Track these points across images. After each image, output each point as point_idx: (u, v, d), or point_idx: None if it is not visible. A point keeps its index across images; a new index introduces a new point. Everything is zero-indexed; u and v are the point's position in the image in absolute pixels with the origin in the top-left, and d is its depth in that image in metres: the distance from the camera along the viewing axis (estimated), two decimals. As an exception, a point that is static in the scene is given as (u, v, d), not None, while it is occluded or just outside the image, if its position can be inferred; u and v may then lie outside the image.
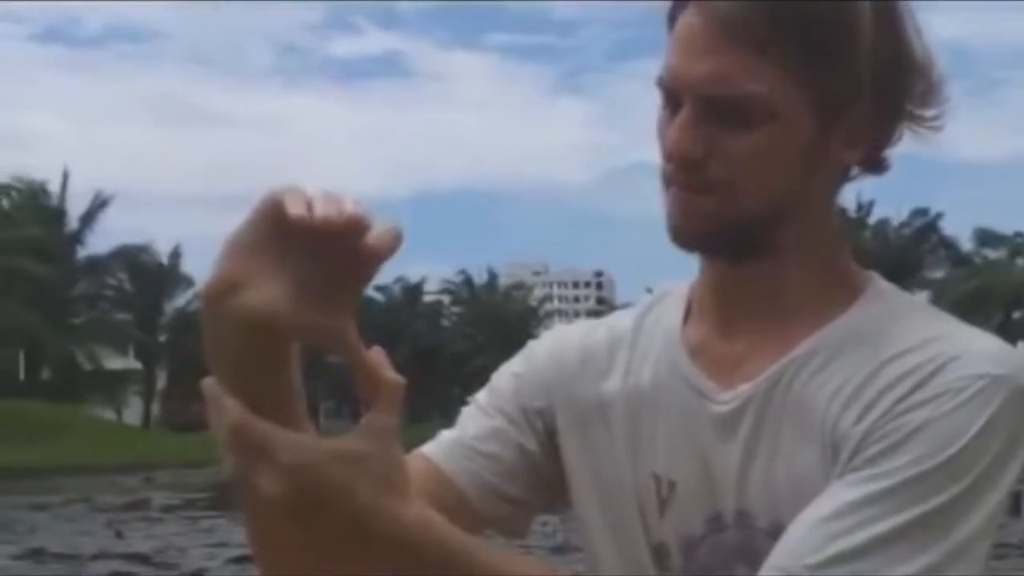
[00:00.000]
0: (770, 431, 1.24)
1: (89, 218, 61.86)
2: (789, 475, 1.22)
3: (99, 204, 61.63)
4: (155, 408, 66.31)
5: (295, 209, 0.98)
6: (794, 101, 1.21)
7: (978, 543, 1.16)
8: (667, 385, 1.32)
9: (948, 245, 69.49)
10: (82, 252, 62.99)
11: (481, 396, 1.41)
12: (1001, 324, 59.00)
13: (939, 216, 70.37)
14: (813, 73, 1.20)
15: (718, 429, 1.27)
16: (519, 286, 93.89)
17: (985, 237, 67.21)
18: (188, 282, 68.30)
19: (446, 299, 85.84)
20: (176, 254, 68.22)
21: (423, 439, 1.37)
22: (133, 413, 64.02)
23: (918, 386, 1.17)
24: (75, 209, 62.24)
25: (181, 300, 68.96)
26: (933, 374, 1.18)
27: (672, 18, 1.26)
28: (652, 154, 1.28)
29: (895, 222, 69.80)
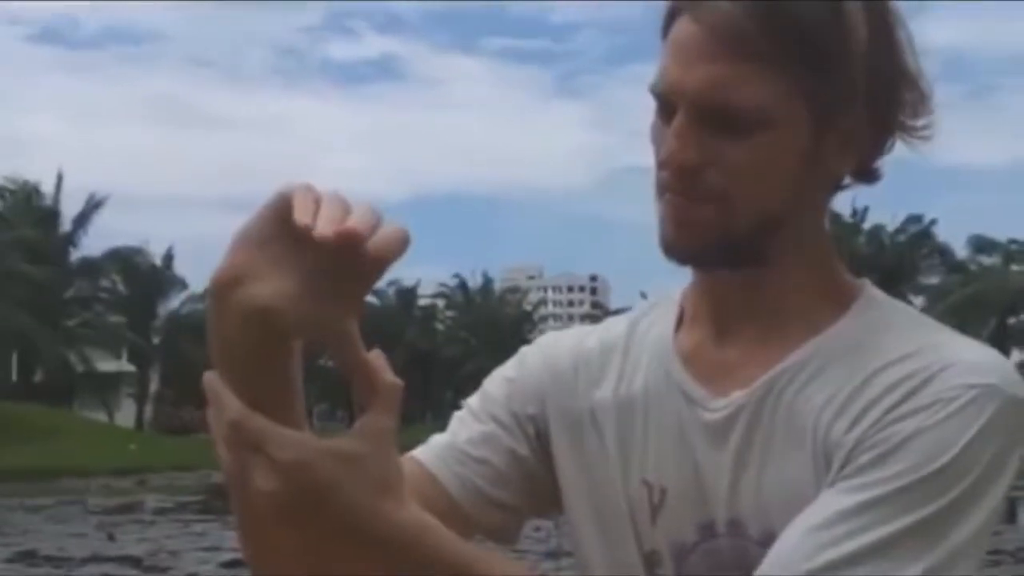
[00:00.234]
0: (762, 439, 1.24)
1: (83, 220, 61.86)
2: (781, 483, 1.22)
3: (93, 206, 61.64)
4: (148, 411, 66.19)
5: (300, 216, 0.98)
6: (789, 110, 1.21)
7: (970, 552, 1.15)
8: (659, 392, 1.32)
9: (943, 251, 69.59)
10: (76, 254, 63.04)
11: (473, 401, 1.41)
12: (995, 331, 59.11)
13: (934, 222, 70.52)
14: (808, 82, 1.20)
15: (710, 437, 1.27)
16: (514, 290, 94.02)
17: (980, 244, 67.33)
18: (182, 284, 68.39)
19: (440, 303, 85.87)
20: (170, 256, 68.24)
21: (416, 442, 1.37)
22: (126, 415, 63.92)
23: (910, 395, 1.17)
24: (69, 211, 62.29)
25: (175, 302, 69.03)
26: (925, 383, 1.18)
27: (667, 25, 1.26)
28: (648, 158, 1.28)
29: (890, 228, 69.91)
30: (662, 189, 1.26)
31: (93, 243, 63.99)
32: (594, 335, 1.41)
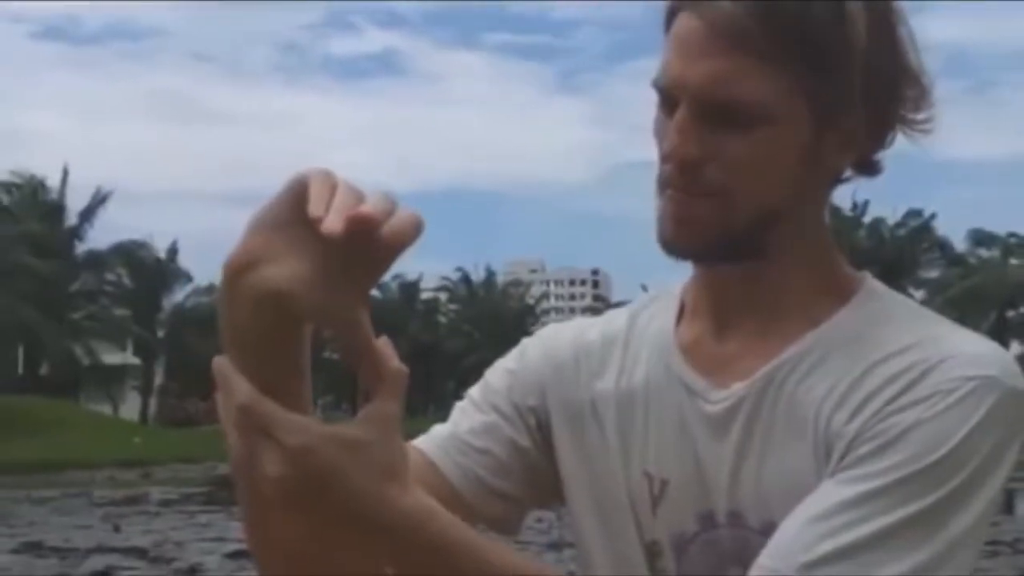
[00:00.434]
0: (762, 431, 1.25)
1: (88, 214, 61.80)
2: (781, 474, 1.23)
3: (98, 200, 61.58)
4: (153, 403, 66.16)
5: (314, 206, 0.99)
6: (790, 105, 1.21)
7: (968, 543, 1.16)
8: (660, 384, 1.33)
9: (942, 245, 69.47)
10: (81, 248, 62.94)
11: (475, 392, 1.42)
12: (995, 324, 59.01)
13: (933, 216, 70.39)
14: (809, 77, 1.20)
15: (710, 428, 1.28)
16: (516, 284, 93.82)
17: (979, 237, 67.24)
18: (186, 278, 68.33)
19: (443, 296, 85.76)
20: (174, 250, 68.17)
21: (418, 433, 1.38)
22: (131, 408, 63.90)
23: (909, 387, 1.18)
24: (74, 205, 62.24)
25: (179, 296, 68.97)
26: (924, 375, 1.18)
27: (669, 20, 1.26)
28: (649, 153, 1.28)
29: (890, 222, 69.79)
30: (663, 185, 1.26)
31: (98, 237, 63.95)
32: (595, 327, 1.42)
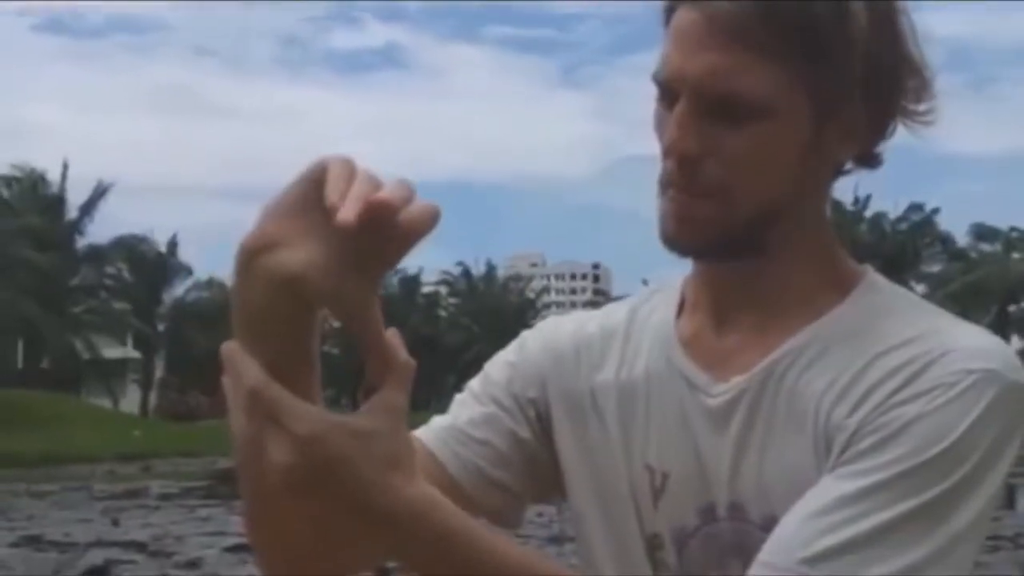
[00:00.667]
0: (763, 424, 1.25)
1: (89, 207, 61.75)
2: (782, 468, 1.23)
3: (99, 193, 61.54)
4: (153, 397, 66.17)
5: (330, 194, 0.99)
6: (791, 98, 1.21)
7: (969, 538, 1.16)
8: (660, 377, 1.33)
9: (944, 239, 69.49)
10: (82, 241, 62.92)
11: (474, 384, 1.42)
12: (996, 318, 59.04)
13: (936, 211, 70.40)
14: (809, 70, 1.20)
15: (711, 421, 1.28)
16: (517, 278, 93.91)
17: (981, 232, 67.24)
18: (187, 272, 68.32)
19: (444, 290, 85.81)
20: (174, 244, 68.17)
21: (419, 427, 1.38)
22: (131, 402, 63.90)
23: (910, 380, 1.18)
24: (75, 198, 62.22)
25: (180, 289, 68.98)
26: (925, 368, 1.18)
27: (668, 14, 1.26)
28: (650, 147, 1.28)
29: (892, 216, 69.80)
30: (665, 184, 1.26)
31: (99, 231, 63.92)
32: (595, 320, 1.42)
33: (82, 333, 59.63)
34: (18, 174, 61.84)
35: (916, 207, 70.13)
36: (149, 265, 66.11)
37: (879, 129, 1.28)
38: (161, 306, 68.02)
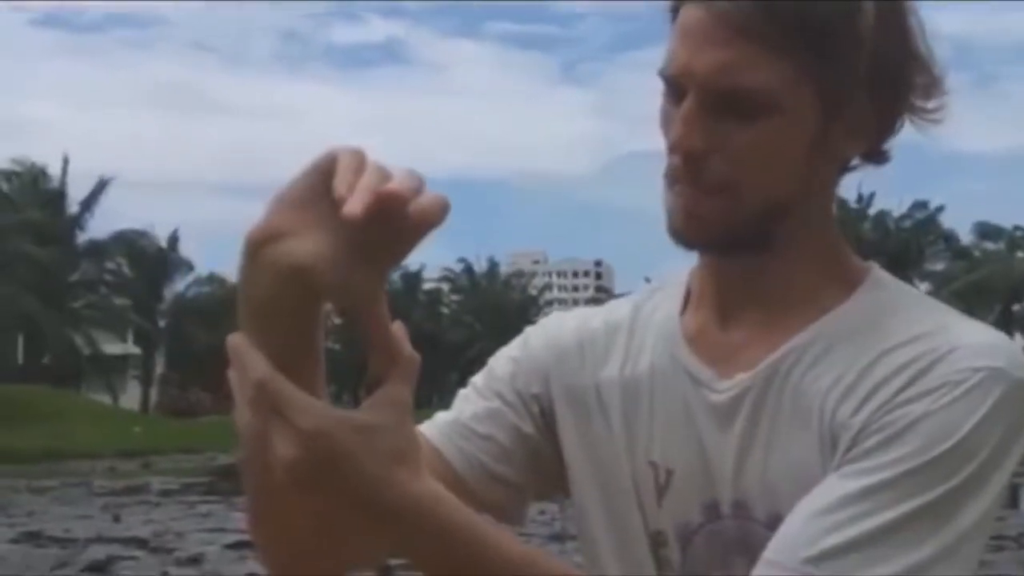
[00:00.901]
0: (768, 421, 1.24)
1: (89, 202, 61.76)
2: (786, 465, 1.22)
3: (99, 188, 61.56)
4: (153, 393, 66.24)
5: (339, 186, 0.98)
6: (798, 94, 1.21)
7: (975, 537, 1.15)
8: (665, 373, 1.32)
9: (948, 238, 69.54)
10: (82, 236, 62.94)
11: (478, 379, 1.41)
12: (1000, 317, 59.06)
13: (940, 209, 70.42)
14: (817, 66, 1.20)
15: (715, 418, 1.28)
16: (519, 275, 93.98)
17: (985, 230, 67.29)
18: (187, 267, 68.35)
19: (445, 287, 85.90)
20: (175, 239, 68.15)
21: (420, 424, 1.37)
22: (131, 398, 63.96)
23: (916, 378, 1.17)
24: (75, 193, 62.23)
25: (180, 285, 69.00)
26: (931, 366, 1.18)
27: (675, 9, 1.26)
28: (652, 144, 1.28)
29: (895, 214, 69.84)
30: (672, 179, 1.26)
31: (99, 226, 63.96)
32: (598, 316, 1.42)
33: (82, 329, 59.67)
34: (18, 169, 61.89)
35: (920, 205, 70.19)
36: (150, 260, 66.12)
37: (886, 126, 1.27)
38: (162, 302, 68.03)
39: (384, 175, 1.00)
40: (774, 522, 1.19)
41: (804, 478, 1.19)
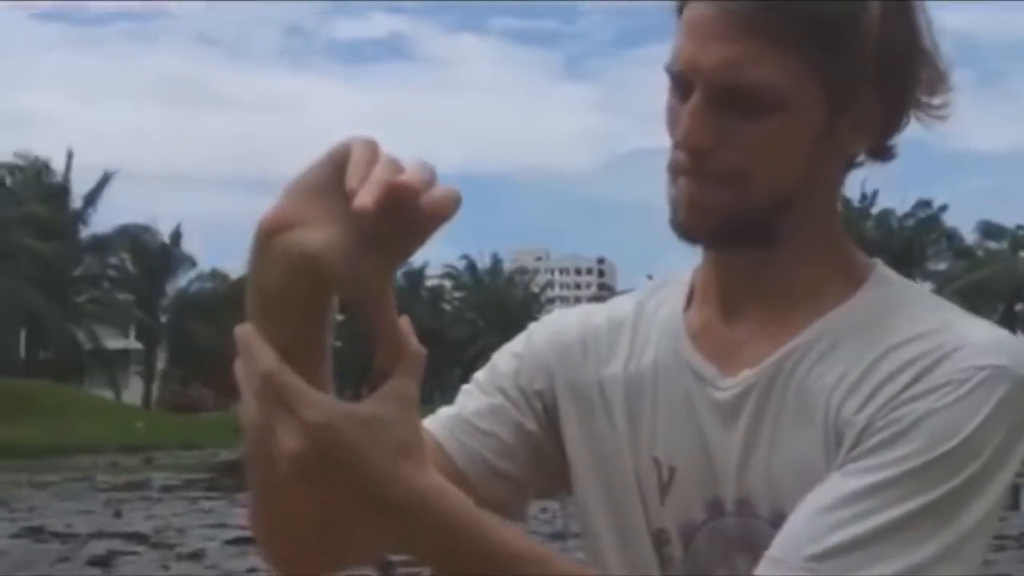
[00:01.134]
0: (772, 418, 1.24)
1: (92, 197, 61.80)
2: (790, 463, 1.22)
3: (103, 183, 61.58)
4: (155, 389, 66.28)
5: (351, 179, 0.98)
6: (804, 89, 1.20)
7: (978, 535, 1.15)
8: (668, 370, 1.32)
9: (951, 237, 69.50)
10: (85, 231, 62.97)
11: (481, 375, 1.41)
12: (1003, 316, 59.04)
13: (943, 208, 70.39)
14: (823, 62, 1.19)
15: (719, 415, 1.27)
16: (522, 271, 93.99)
17: (988, 229, 67.25)
18: (190, 262, 68.38)
19: (448, 284, 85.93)
20: (178, 234, 68.19)
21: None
22: (133, 393, 64.04)
23: (920, 376, 1.17)
24: (79, 188, 62.27)
25: (183, 280, 69.03)
26: (936, 364, 1.17)
27: (681, 4, 1.25)
28: (655, 140, 1.28)
29: (899, 212, 69.81)
30: (676, 172, 1.25)
31: (102, 220, 64.04)
32: (601, 312, 1.41)
33: (85, 323, 59.74)
34: (21, 163, 61.94)
35: (924, 203, 70.14)
36: (152, 255, 66.15)
37: (892, 121, 1.27)
38: (164, 297, 68.06)
39: (397, 167, 0.99)
40: (778, 519, 1.19)
41: (808, 475, 1.19)
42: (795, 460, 1.21)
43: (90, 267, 63.65)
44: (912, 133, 1.29)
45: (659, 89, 1.28)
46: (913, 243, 67.87)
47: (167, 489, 24.93)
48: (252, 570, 12.06)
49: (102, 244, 63.70)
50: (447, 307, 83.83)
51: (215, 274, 70.28)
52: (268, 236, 1.01)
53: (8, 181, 61.43)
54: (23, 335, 58.70)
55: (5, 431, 36.07)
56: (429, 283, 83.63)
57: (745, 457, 1.25)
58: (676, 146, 1.25)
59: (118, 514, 18.80)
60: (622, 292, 1.58)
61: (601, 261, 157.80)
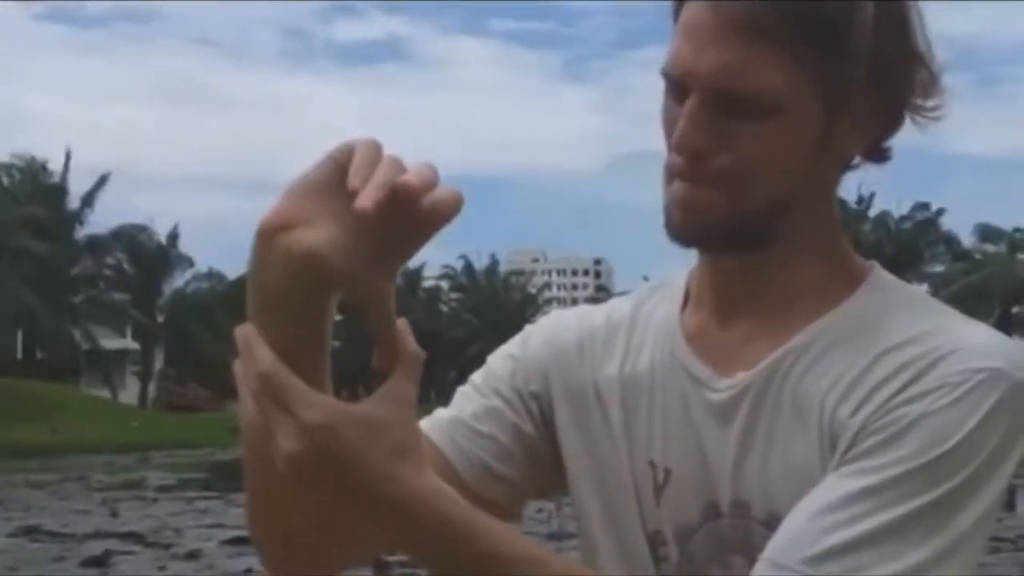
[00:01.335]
0: (767, 420, 1.24)
1: (90, 197, 61.74)
2: (785, 465, 1.22)
3: (100, 183, 61.53)
4: (152, 389, 66.22)
5: (352, 178, 0.98)
6: (801, 92, 1.20)
7: (974, 538, 1.15)
8: (664, 372, 1.32)
9: (948, 239, 69.49)
10: (82, 231, 62.91)
11: (477, 377, 1.41)
12: (999, 319, 59.01)
13: (941, 212, 70.37)
14: (820, 65, 1.19)
15: (715, 417, 1.27)
16: (518, 273, 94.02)
17: (985, 232, 67.21)
18: (187, 263, 68.30)
19: (445, 285, 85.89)
20: (175, 235, 68.11)
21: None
22: (130, 393, 63.97)
23: (916, 379, 1.17)
24: (76, 188, 62.20)
25: (180, 281, 68.95)
26: (931, 367, 1.17)
27: (677, 6, 1.25)
28: (654, 143, 1.28)
29: (896, 215, 69.80)
30: (671, 174, 1.25)
31: (99, 221, 63.91)
32: (598, 314, 1.41)
33: (81, 323, 59.64)
34: (19, 163, 61.88)
35: (921, 206, 70.16)
36: (149, 256, 66.08)
37: (888, 123, 1.27)
38: (161, 297, 67.98)
39: (399, 168, 1.00)
40: (773, 522, 1.19)
41: (803, 478, 1.19)
42: (790, 463, 1.21)
43: (87, 267, 63.57)
44: (908, 138, 1.29)
45: (657, 92, 1.28)
46: (910, 246, 67.86)
47: (163, 489, 24.94)
48: (248, 570, 12.06)
49: (99, 244, 63.62)
50: (444, 308, 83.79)
51: (212, 274, 70.22)
52: (270, 235, 1.01)
53: (5, 181, 61.35)
54: (20, 335, 58.64)
55: (1, 431, 36.06)
56: (426, 284, 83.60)
57: (740, 459, 1.25)
58: (672, 149, 1.25)
59: (114, 514, 18.80)
60: (619, 294, 1.58)
61: (598, 263, 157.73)
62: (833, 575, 1.11)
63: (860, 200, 65.33)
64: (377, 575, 10.19)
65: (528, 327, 1.45)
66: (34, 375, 52.44)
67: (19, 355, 58.28)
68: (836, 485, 1.15)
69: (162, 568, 13.30)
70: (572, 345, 1.39)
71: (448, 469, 1.32)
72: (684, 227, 1.25)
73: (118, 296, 64.37)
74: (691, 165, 1.23)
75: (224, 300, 60.05)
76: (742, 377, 1.26)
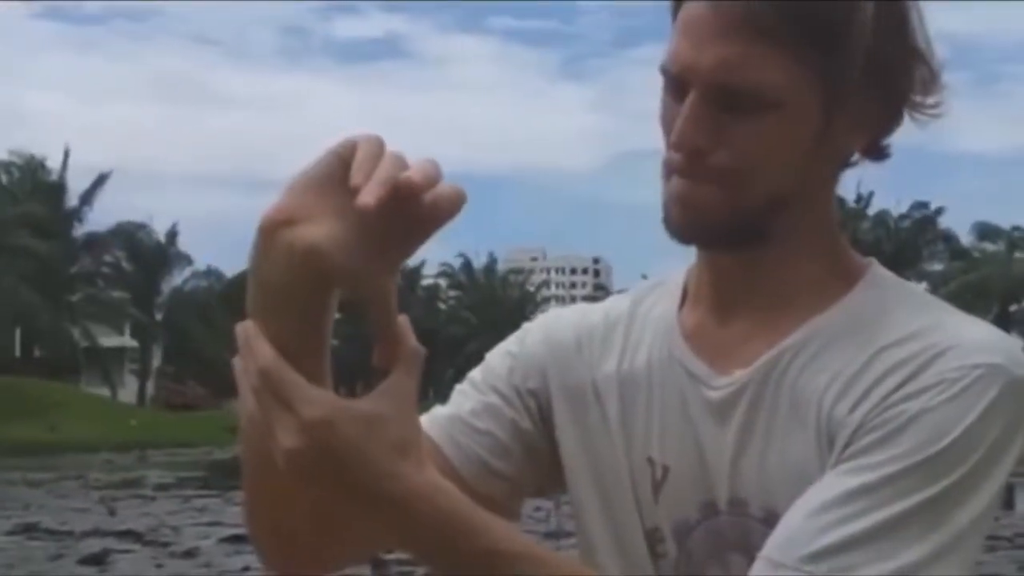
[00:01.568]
0: (765, 418, 1.24)
1: (88, 195, 61.71)
2: (783, 463, 1.22)
3: (99, 181, 61.52)
4: (150, 387, 66.21)
5: (355, 174, 0.98)
6: (801, 89, 1.20)
7: (972, 534, 1.15)
8: (662, 369, 1.32)
9: (947, 238, 69.49)
10: (81, 229, 62.90)
11: (475, 374, 1.41)
12: (998, 317, 58.99)
13: (940, 211, 70.35)
14: (819, 61, 1.19)
15: (712, 415, 1.27)
16: (517, 271, 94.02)
17: (984, 230, 67.21)
18: (186, 261, 68.31)
19: (443, 283, 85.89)
20: (174, 233, 68.11)
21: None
22: (128, 392, 63.96)
23: (914, 375, 1.17)
24: (75, 186, 62.19)
25: (178, 279, 68.96)
26: (929, 363, 1.17)
27: (676, 4, 1.25)
28: (653, 141, 1.28)
29: (894, 213, 69.81)
30: (670, 171, 1.25)
31: (98, 219, 63.91)
32: (596, 311, 1.41)
33: (80, 322, 59.64)
34: (18, 161, 61.88)
35: (920, 204, 70.15)
36: (148, 254, 66.09)
37: (887, 121, 1.27)
38: (160, 295, 67.98)
39: (402, 164, 1.00)
40: (771, 519, 1.19)
41: (801, 475, 1.18)
42: (788, 460, 1.21)
43: (85, 265, 63.59)
44: (907, 136, 1.29)
45: (656, 90, 1.28)
46: (909, 244, 67.86)
47: (161, 487, 24.93)
48: (246, 568, 12.06)
49: (98, 242, 63.60)
50: (442, 306, 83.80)
51: (211, 272, 70.26)
52: (271, 231, 1.01)
53: (4, 179, 61.36)
54: (18, 333, 58.64)
55: (0, 429, 36.04)
56: (425, 282, 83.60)
57: (738, 456, 1.25)
58: (671, 146, 1.25)
59: (112, 512, 18.79)
60: (617, 292, 1.58)
61: (597, 261, 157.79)
62: (832, 573, 1.11)
63: (859, 198, 65.39)
64: (375, 573, 10.20)
65: (526, 325, 1.45)
66: (32, 373, 52.43)
67: (17, 353, 58.26)
68: (834, 483, 1.15)
69: (160, 566, 13.29)
70: (570, 342, 1.39)
71: (446, 466, 1.32)
72: (683, 224, 1.25)
73: (117, 294, 64.38)
74: (690, 162, 1.23)
75: (223, 298, 60.11)
76: (740, 375, 1.26)
